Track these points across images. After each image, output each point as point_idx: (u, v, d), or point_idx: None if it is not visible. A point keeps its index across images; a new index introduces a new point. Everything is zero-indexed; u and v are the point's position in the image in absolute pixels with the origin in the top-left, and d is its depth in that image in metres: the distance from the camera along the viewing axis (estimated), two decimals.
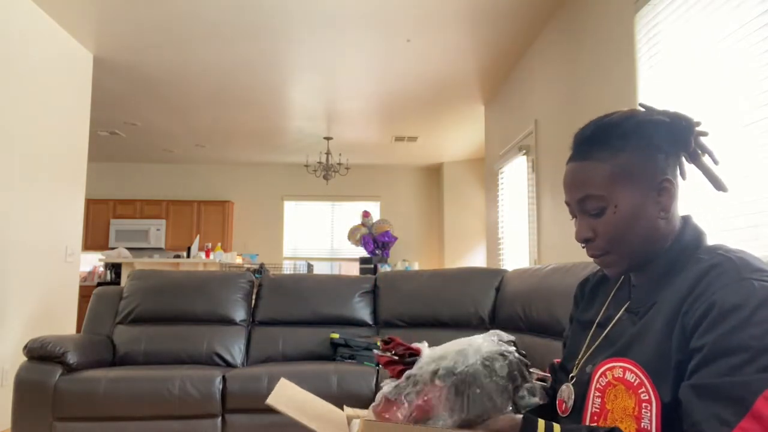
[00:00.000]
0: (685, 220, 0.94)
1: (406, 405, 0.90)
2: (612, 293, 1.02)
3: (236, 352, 3.12)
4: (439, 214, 8.70)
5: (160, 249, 8.27)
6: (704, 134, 0.96)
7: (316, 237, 8.88)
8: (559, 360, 1.13)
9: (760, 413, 0.67)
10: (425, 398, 0.89)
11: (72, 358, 2.67)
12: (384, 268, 7.46)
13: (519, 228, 4.66)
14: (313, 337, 3.20)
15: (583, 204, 0.92)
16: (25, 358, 2.72)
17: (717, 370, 0.72)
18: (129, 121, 6.41)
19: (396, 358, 1.06)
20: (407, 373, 0.93)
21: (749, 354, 0.70)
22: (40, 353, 2.65)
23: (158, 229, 8.29)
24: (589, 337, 1.00)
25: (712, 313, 0.75)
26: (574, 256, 3.37)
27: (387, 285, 3.40)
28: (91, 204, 8.23)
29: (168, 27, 4.09)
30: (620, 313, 0.95)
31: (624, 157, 0.89)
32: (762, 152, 1.84)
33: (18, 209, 3.63)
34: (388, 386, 0.94)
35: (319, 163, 7.35)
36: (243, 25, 4.06)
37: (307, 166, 7.89)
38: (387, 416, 0.91)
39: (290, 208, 8.89)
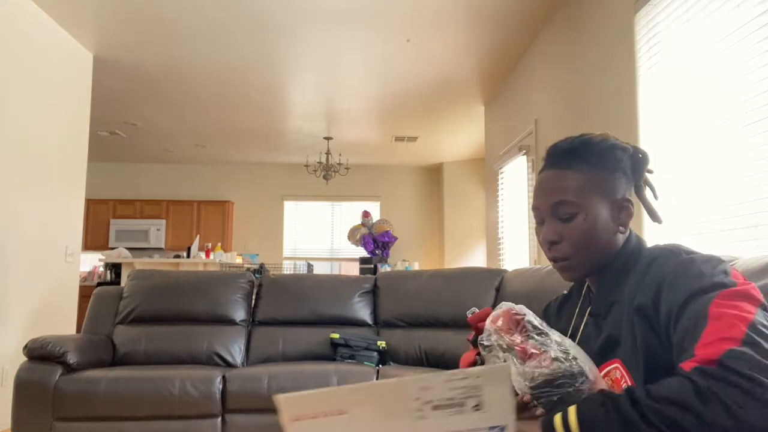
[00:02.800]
0: (630, 232, 1.04)
1: (519, 339, 0.92)
2: (578, 306, 1.10)
3: (236, 352, 3.12)
4: (439, 214, 8.70)
5: (160, 249, 8.27)
6: (650, 171, 1.08)
7: (316, 237, 8.88)
8: None
9: (714, 314, 0.77)
10: (539, 351, 0.90)
11: (72, 358, 2.67)
12: (384, 268, 7.46)
13: (519, 228, 4.66)
14: (313, 337, 3.20)
15: (557, 208, 1.00)
16: (25, 358, 2.72)
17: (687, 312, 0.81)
18: (129, 121, 6.41)
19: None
20: (540, 322, 0.95)
21: (704, 278, 0.82)
22: (40, 353, 2.65)
23: (158, 229, 8.29)
24: None
25: (663, 284, 0.86)
26: None
27: (387, 285, 3.40)
28: (91, 204, 8.23)
29: (168, 27, 4.09)
30: (585, 318, 1.05)
31: (598, 172, 0.99)
32: (761, 152, 1.84)
33: (18, 209, 3.63)
34: (525, 309, 0.96)
35: (319, 163, 7.35)
36: (243, 25, 4.06)
37: (307, 166, 7.89)
38: (503, 330, 0.94)
39: (290, 208, 8.88)
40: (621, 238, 1.01)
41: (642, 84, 2.65)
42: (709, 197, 2.13)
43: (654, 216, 1.08)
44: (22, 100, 3.65)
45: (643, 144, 2.63)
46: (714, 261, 0.85)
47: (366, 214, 8.24)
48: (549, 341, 0.90)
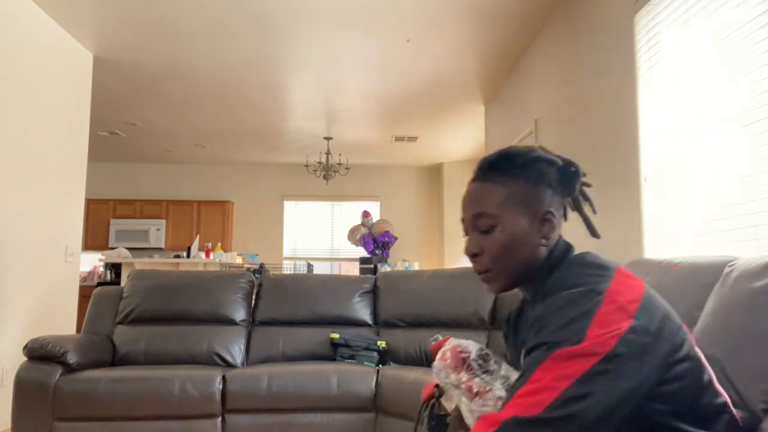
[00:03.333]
0: (559, 242, 1.03)
1: (465, 378, 0.95)
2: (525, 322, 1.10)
3: (236, 352, 3.12)
4: (439, 214, 8.70)
5: (160, 249, 8.27)
6: (588, 185, 1.08)
7: (316, 237, 8.88)
8: None
9: (534, 378, 0.80)
10: (484, 389, 0.94)
11: (72, 358, 2.67)
12: (384, 268, 7.46)
13: None
14: (313, 337, 3.20)
15: (476, 221, 1.01)
16: (25, 358, 2.72)
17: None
18: (129, 121, 6.41)
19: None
20: (489, 356, 0.98)
21: (555, 333, 0.83)
22: (40, 353, 2.65)
23: (158, 229, 8.29)
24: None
25: (533, 331, 0.88)
26: None
27: (387, 285, 3.40)
28: (91, 204, 8.23)
29: (168, 27, 4.09)
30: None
31: (518, 185, 1.00)
32: (761, 152, 1.84)
33: (18, 209, 3.63)
34: (472, 346, 0.99)
35: (319, 163, 7.35)
36: (243, 25, 4.06)
37: (307, 166, 7.89)
38: (450, 367, 0.97)
39: (290, 208, 8.88)
40: (544, 251, 1.01)
41: (642, 84, 2.65)
42: (709, 197, 2.13)
43: (592, 231, 1.09)
44: (22, 100, 3.65)
45: (644, 144, 2.64)
46: (578, 307, 0.84)
47: (366, 214, 8.24)
48: (494, 379, 0.93)
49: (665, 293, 1.76)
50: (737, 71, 1.96)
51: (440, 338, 1.22)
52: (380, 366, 2.98)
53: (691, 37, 2.25)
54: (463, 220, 1.06)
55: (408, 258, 8.58)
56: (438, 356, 1.00)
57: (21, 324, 3.67)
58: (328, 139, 7.10)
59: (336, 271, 8.83)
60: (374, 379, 2.72)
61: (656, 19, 2.50)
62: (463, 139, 7.21)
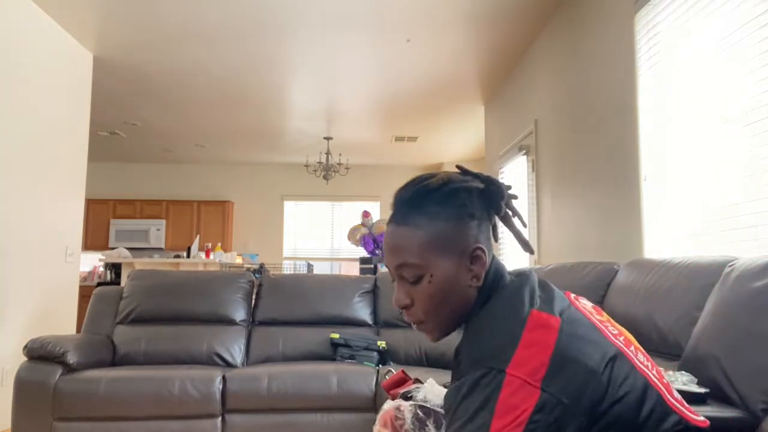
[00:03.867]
0: (489, 273, 0.93)
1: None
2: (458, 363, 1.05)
3: (236, 352, 3.12)
4: None
5: (160, 249, 8.27)
6: (514, 197, 0.99)
7: (316, 237, 8.88)
8: None
9: None
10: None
11: (72, 358, 2.67)
12: (384, 268, 7.45)
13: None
14: (313, 337, 3.20)
15: (401, 270, 0.92)
16: (25, 358, 2.72)
17: None
18: (129, 121, 6.41)
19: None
20: (434, 415, 0.95)
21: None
22: (40, 353, 2.65)
23: (158, 229, 8.29)
24: None
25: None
26: (574, 256, 3.37)
27: (387, 285, 3.40)
28: (91, 204, 8.23)
29: (168, 27, 4.09)
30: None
31: (439, 224, 0.89)
32: (761, 152, 1.84)
33: (18, 209, 3.63)
34: (408, 411, 0.96)
35: (319, 163, 7.35)
36: (243, 26, 4.06)
37: (307, 166, 7.89)
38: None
39: (290, 208, 8.88)
40: (474, 291, 0.92)
41: (642, 84, 2.65)
42: (709, 197, 2.13)
43: (525, 245, 1.00)
44: (22, 100, 3.65)
45: (643, 144, 2.64)
46: (479, 395, 0.77)
47: (366, 214, 8.23)
48: None
49: (665, 293, 1.76)
50: (737, 71, 1.96)
51: (393, 372, 1.18)
52: (380, 366, 2.98)
53: (691, 37, 2.25)
54: (387, 267, 0.96)
55: None
56: (379, 419, 0.96)
57: (21, 324, 3.67)
58: (328, 139, 7.10)
59: (336, 271, 8.82)
60: (374, 379, 2.72)
61: (656, 19, 2.50)
62: (463, 139, 7.21)
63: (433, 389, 0.98)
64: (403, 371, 1.15)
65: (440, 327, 0.93)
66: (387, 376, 1.18)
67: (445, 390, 0.96)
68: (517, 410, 0.73)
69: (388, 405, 0.95)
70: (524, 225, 0.99)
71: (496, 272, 0.93)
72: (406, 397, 1.04)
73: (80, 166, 4.41)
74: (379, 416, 0.96)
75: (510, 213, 0.98)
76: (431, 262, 0.89)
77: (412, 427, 0.91)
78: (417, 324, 0.94)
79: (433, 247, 0.89)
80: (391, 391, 1.09)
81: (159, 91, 5.42)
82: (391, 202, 0.96)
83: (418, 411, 0.93)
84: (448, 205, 0.90)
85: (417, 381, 1.09)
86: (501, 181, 0.96)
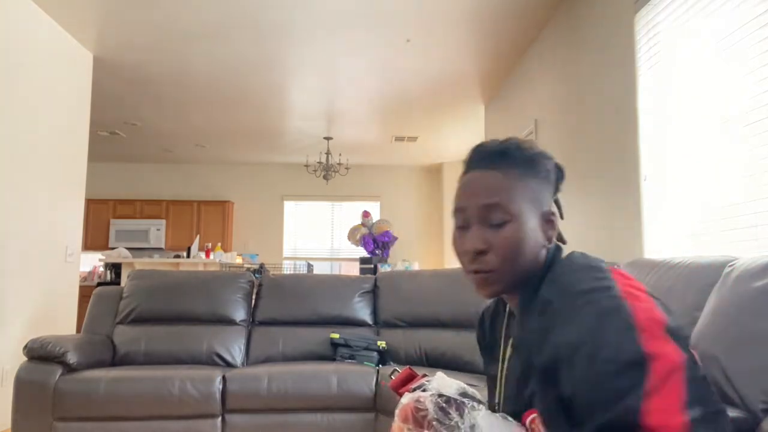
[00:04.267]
0: (551, 247, 0.94)
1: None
2: (503, 329, 1.01)
3: (236, 352, 3.12)
4: (439, 214, 8.70)
5: (160, 249, 8.27)
6: (560, 190, 1.01)
7: (316, 237, 8.88)
8: None
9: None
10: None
11: (72, 358, 2.67)
12: (384, 268, 7.46)
13: None
14: (313, 337, 3.20)
15: (488, 212, 0.89)
16: (25, 358, 2.72)
17: (596, 419, 0.69)
18: (129, 121, 6.41)
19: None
20: (455, 403, 0.91)
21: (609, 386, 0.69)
22: (40, 353, 2.65)
23: (158, 229, 8.29)
24: (498, 376, 0.99)
25: (559, 356, 0.75)
26: None
27: (387, 285, 3.40)
28: (91, 204, 8.23)
29: (168, 27, 4.09)
30: (509, 351, 0.96)
31: (528, 179, 0.91)
32: (761, 152, 1.84)
33: (18, 209, 3.63)
34: (429, 401, 0.92)
35: (319, 163, 7.34)
36: (243, 26, 4.06)
37: (307, 166, 7.89)
38: (413, 428, 0.92)
39: (290, 208, 8.88)
40: (544, 254, 0.92)
41: (642, 84, 2.65)
42: (709, 197, 2.13)
43: (560, 236, 1.00)
44: (22, 100, 3.65)
45: (643, 144, 2.64)
46: (615, 318, 0.72)
47: (366, 214, 8.23)
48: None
49: (665, 293, 1.76)
50: (737, 71, 1.96)
51: (398, 371, 1.15)
52: (380, 366, 2.98)
53: (691, 37, 2.25)
54: (463, 210, 0.92)
55: (408, 258, 8.58)
56: (399, 414, 0.94)
57: (21, 324, 3.67)
58: (328, 139, 7.10)
59: (336, 271, 8.82)
60: (374, 379, 2.72)
61: (656, 19, 2.50)
62: (463, 139, 7.21)
63: (444, 381, 0.97)
64: (410, 368, 1.15)
65: (507, 280, 0.90)
66: (392, 376, 1.16)
67: (455, 381, 0.96)
68: (672, 394, 0.68)
69: (407, 399, 0.93)
70: (562, 217, 0.99)
71: (555, 254, 0.93)
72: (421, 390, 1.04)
73: (80, 166, 4.41)
74: (397, 411, 0.94)
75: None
76: (520, 210, 0.89)
77: (435, 416, 0.89)
78: (485, 273, 0.89)
79: (522, 198, 0.89)
80: (400, 390, 1.08)
81: (159, 91, 5.42)
82: (472, 150, 0.96)
83: (439, 400, 0.91)
84: (537, 164, 0.93)
85: (425, 376, 1.09)
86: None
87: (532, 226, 0.89)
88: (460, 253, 0.93)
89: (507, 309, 1.02)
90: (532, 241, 0.89)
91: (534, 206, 0.90)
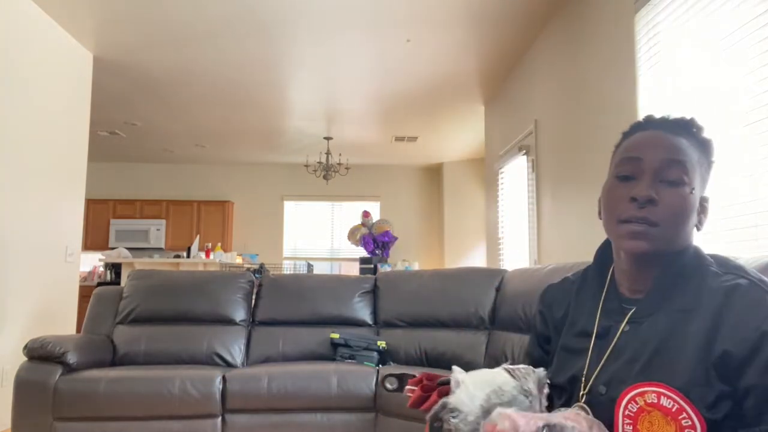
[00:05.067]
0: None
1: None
2: (601, 302, 0.98)
3: (236, 352, 3.12)
4: (439, 214, 8.70)
5: (160, 249, 8.27)
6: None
7: (316, 237, 8.88)
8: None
9: None
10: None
11: (72, 358, 2.67)
12: (384, 268, 7.46)
13: (519, 228, 4.66)
14: (313, 337, 3.20)
15: (669, 167, 0.89)
16: (25, 358, 2.71)
17: None
18: (129, 121, 6.41)
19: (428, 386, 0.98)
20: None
21: None
22: (40, 353, 2.65)
23: (158, 229, 8.29)
24: (590, 351, 0.94)
25: (764, 348, 0.76)
26: (574, 256, 3.37)
27: (387, 285, 3.40)
28: (91, 204, 8.23)
29: (168, 27, 4.09)
30: (623, 325, 0.92)
31: (702, 159, 0.93)
32: (762, 152, 1.84)
33: (18, 209, 3.63)
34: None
35: (319, 163, 7.34)
36: (243, 26, 4.06)
37: (307, 166, 7.89)
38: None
39: (290, 208, 8.88)
40: (692, 237, 0.92)
41: (642, 84, 2.65)
42: (709, 197, 2.12)
43: None
44: (22, 100, 3.65)
45: None
46: None
47: (366, 214, 8.23)
48: None
49: None
50: (737, 71, 1.96)
51: (393, 376, 1.00)
52: (380, 366, 2.98)
53: (691, 37, 2.25)
54: (639, 160, 0.91)
55: (408, 258, 8.58)
56: None
57: (21, 324, 3.67)
58: (328, 139, 7.10)
59: (336, 271, 8.82)
60: (374, 379, 2.72)
61: (656, 19, 2.50)
62: (463, 139, 7.21)
63: (474, 390, 0.85)
64: (416, 381, 1.02)
65: (667, 239, 0.88)
66: (389, 384, 1.07)
67: (493, 379, 0.89)
68: None
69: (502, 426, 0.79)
70: (698, 229, 0.96)
71: (695, 245, 0.94)
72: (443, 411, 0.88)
73: (80, 166, 4.41)
74: None
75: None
76: (695, 179, 0.90)
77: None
78: (649, 226, 0.88)
79: (697, 171, 0.91)
80: (422, 407, 0.97)
81: (159, 91, 5.42)
82: (650, 116, 0.97)
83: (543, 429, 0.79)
84: (708, 150, 0.94)
85: (441, 385, 0.94)
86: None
87: (695, 201, 0.90)
88: (620, 200, 0.91)
89: (608, 281, 0.99)
90: (691, 213, 0.90)
91: (700, 186, 0.93)
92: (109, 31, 4.17)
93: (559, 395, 0.97)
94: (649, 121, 0.95)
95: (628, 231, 0.89)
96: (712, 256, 0.92)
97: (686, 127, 0.93)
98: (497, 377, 0.90)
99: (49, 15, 3.91)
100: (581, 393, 0.92)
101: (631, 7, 2.73)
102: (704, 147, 0.93)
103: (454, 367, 0.94)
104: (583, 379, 0.93)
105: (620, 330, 0.91)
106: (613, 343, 0.91)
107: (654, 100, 2.54)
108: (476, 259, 7.98)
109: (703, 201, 0.94)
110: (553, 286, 1.11)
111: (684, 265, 0.89)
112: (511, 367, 0.92)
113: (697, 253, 0.91)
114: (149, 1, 3.71)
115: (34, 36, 3.78)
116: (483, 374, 0.92)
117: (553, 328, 1.06)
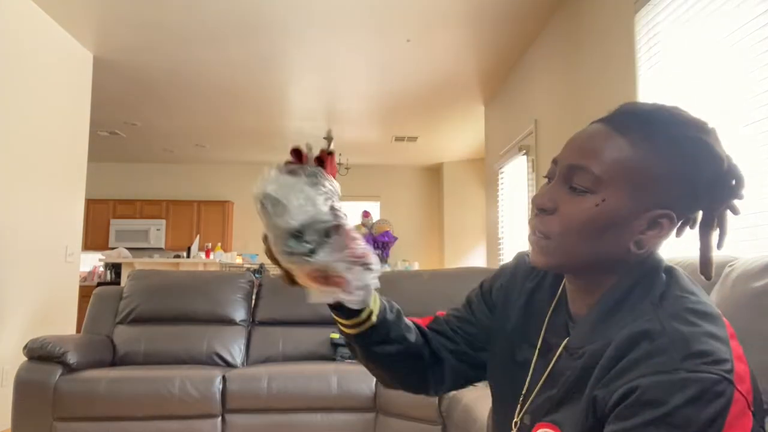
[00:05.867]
0: (650, 256, 0.76)
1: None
2: (549, 314, 0.84)
3: (236, 352, 3.12)
4: (439, 214, 8.70)
5: (160, 249, 8.27)
6: (735, 212, 0.80)
7: None
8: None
9: None
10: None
11: (72, 358, 2.67)
12: (384, 268, 7.46)
13: (519, 228, 4.66)
14: (313, 337, 3.20)
15: (571, 173, 0.73)
16: (25, 358, 2.72)
17: None
18: (129, 121, 6.41)
19: None
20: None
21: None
22: (40, 353, 2.65)
23: (158, 229, 8.29)
24: (532, 368, 0.83)
25: (629, 400, 0.63)
26: None
27: (387, 285, 3.40)
28: (91, 204, 8.22)
29: (168, 27, 4.09)
30: (560, 349, 0.78)
31: (654, 161, 0.70)
32: (762, 152, 1.84)
33: (18, 209, 3.63)
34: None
35: None
36: (243, 26, 4.06)
37: None
38: None
39: None
40: (633, 258, 0.73)
41: (642, 84, 2.65)
42: (674, 215, 2.12)
43: (704, 268, 0.78)
44: (21, 100, 3.64)
45: None
46: (706, 409, 0.61)
47: (366, 214, 8.23)
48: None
49: None
50: (737, 71, 1.96)
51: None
52: None
53: (691, 37, 2.25)
54: (555, 162, 0.76)
55: (408, 258, 8.58)
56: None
57: (21, 324, 3.67)
58: (328, 139, 7.09)
59: None
60: (374, 380, 2.72)
61: (656, 19, 2.50)
62: (463, 139, 7.21)
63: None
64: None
65: (562, 257, 0.74)
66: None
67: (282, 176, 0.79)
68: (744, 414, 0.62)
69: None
70: (719, 246, 0.79)
71: (656, 263, 0.75)
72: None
73: (80, 166, 4.42)
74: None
75: (715, 222, 0.78)
76: (614, 187, 0.70)
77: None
78: (539, 236, 0.75)
79: (627, 176, 0.70)
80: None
81: (159, 91, 5.42)
82: (618, 108, 0.76)
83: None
84: (683, 154, 0.71)
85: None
86: (743, 175, 0.77)
87: (621, 213, 0.72)
88: (534, 204, 0.78)
89: (560, 291, 0.84)
90: (612, 230, 0.72)
91: (639, 194, 0.73)
92: (109, 32, 4.16)
93: (497, 407, 0.90)
94: (608, 115, 0.77)
95: (529, 241, 0.78)
96: (674, 278, 0.74)
97: (642, 122, 0.72)
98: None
99: (49, 15, 3.90)
100: (514, 420, 0.84)
101: (631, 7, 2.73)
102: (677, 147, 0.71)
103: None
104: (521, 401, 0.84)
105: (558, 353, 0.79)
106: (550, 367, 0.79)
107: (654, 100, 2.54)
108: (476, 259, 7.97)
109: (658, 215, 0.71)
110: (520, 265, 0.96)
111: (619, 296, 0.74)
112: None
113: (643, 288, 0.73)
114: (149, 1, 3.71)
115: (34, 36, 3.78)
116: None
117: (501, 308, 0.96)
